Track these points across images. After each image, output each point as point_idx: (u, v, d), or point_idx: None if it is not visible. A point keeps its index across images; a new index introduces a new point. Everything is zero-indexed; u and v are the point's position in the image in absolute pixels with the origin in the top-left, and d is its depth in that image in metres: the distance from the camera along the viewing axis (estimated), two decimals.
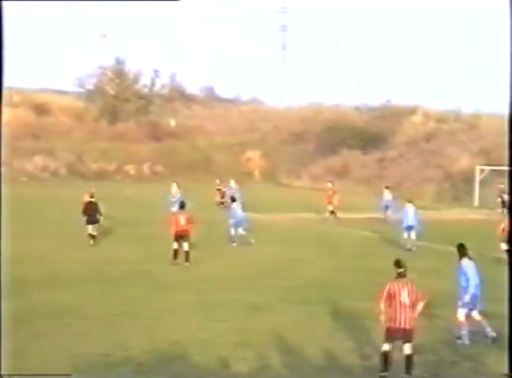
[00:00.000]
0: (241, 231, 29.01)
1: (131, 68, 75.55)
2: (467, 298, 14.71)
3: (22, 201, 41.69)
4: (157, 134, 71.04)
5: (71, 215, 35.62)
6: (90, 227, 28.42)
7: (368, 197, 43.80)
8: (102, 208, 28.91)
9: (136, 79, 75.92)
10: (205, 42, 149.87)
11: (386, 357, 12.46)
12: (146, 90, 76.42)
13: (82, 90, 75.82)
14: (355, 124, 68.14)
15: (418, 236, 28.08)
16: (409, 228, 28.43)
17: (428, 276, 20.34)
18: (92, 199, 28.94)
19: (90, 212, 28.37)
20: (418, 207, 30.13)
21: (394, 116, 68.54)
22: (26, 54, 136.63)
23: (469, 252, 15.12)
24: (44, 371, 12.82)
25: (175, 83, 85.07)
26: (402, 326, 12.33)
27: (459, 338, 14.89)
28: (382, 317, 12.61)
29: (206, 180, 61.99)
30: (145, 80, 76.74)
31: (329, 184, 39.49)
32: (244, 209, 30.89)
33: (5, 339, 14.70)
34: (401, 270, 12.67)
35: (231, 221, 28.90)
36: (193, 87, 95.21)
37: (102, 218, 28.80)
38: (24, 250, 26.06)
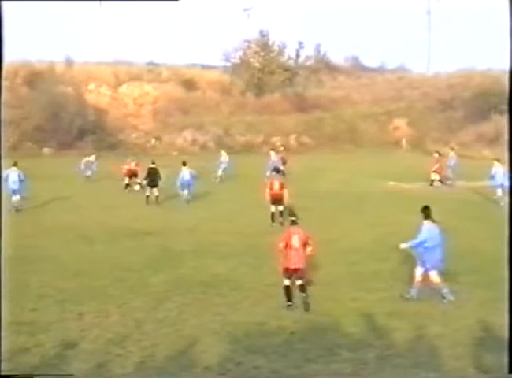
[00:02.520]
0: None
1: (275, 40, 75.79)
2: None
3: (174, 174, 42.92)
4: (302, 105, 71.02)
5: (220, 189, 36.49)
6: (148, 189, 31.68)
7: None
8: (163, 174, 32.25)
9: (281, 52, 75.96)
10: (348, 11, 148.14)
11: (287, 290, 15.10)
12: (291, 62, 76.35)
13: (228, 64, 76.65)
14: (508, 89, 65.63)
15: None
16: (500, 186, 30.56)
17: None
18: (153, 165, 32.21)
19: (151, 176, 31.75)
20: None
21: None
22: (174, 31, 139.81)
23: None
24: (203, 338, 13.21)
25: (319, 54, 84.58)
26: (294, 266, 14.91)
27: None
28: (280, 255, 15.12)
29: (353, 150, 61.80)
30: (290, 52, 76.80)
31: (436, 154, 38.67)
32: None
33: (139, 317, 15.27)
34: (293, 218, 15.34)
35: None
36: (338, 58, 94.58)
37: (161, 182, 31.94)
38: (174, 222, 26.88)
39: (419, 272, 15.75)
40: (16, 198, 29.08)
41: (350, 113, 69.80)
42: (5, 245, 21.17)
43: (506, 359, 11.91)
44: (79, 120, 60.26)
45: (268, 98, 72.10)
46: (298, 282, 15.06)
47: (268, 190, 26.24)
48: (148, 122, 66.51)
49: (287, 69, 74.51)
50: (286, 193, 25.92)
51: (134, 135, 64.14)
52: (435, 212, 27.10)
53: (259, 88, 73.24)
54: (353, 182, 39.33)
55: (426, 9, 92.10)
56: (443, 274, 17.84)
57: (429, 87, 75.22)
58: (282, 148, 45.61)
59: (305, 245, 15.11)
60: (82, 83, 66.91)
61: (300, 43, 75.76)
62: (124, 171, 36.85)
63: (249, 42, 75.23)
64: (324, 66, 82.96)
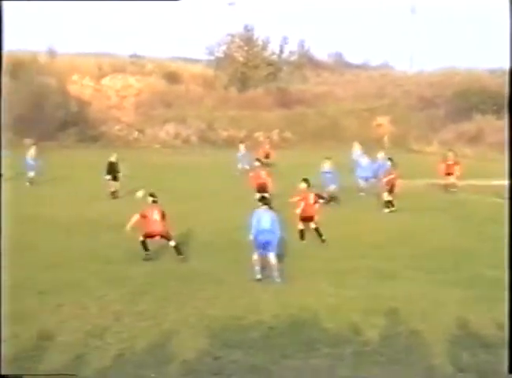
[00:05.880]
0: None
1: (259, 35, 75.55)
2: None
3: (155, 168, 42.88)
4: (286, 101, 70.88)
5: (200, 182, 36.44)
6: (114, 183, 31.73)
7: (502, 163, 42.23)
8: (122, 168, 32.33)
9: (265, 47, 75.73)
10: (333, 7, 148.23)
11: (145, 246, 19.49)
12: (274, 57, 76.23)
13: (212, 58, 76.41)
14: (489, 88, 65.96)
15: None
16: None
17: None
18: (113, 160, 32.22)
19: (113, 171, 31.85)
20: None
21: None
22: (158, 24, 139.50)
23: None
24: (181, 332, 13.23)
25: (303, 49, 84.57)
26: (157, 233, 19.46)
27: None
28: (128, 227, 19.40)
29: (335, 147, 61.85)
30: (274, 47, 76.64)
31: (450, 153, 37.11)
32: None
33: (137, 302, 15.28)
34: (154, 199, 19.81)
35: None
36: (321, 54, 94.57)
37: (121, 175, 32.01)
38: None
39: (256, 255, 17.26)
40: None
41: (334, 109, 69.78)
42: None
43: (496, 358, 12.04)
44: (61, 112, 59.95)
45: (251, 92, 71.93)
46: (172, 243, 19.55)
47: (254, 180, 28.75)
48: (131, 114, 66.26)
49: (270, 64, 74.38)
50: (270, 182, 28.35)
51: (116, 128, 63.87)
52: (418, 209, 27.34)
53: (243, 83, 73.09)
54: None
55: (410, 7, 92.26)
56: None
57: (412, 84, 75.39)
58: (268, 142, 46.33)
59: (163, 217, 19.42)
60: (65, 74, 66.52)
61: (284, 38, 75.70)
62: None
63: (233, 36, 75.02)
64: (307, 62, 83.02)
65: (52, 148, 51.75)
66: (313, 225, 22.30)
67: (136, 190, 30.53)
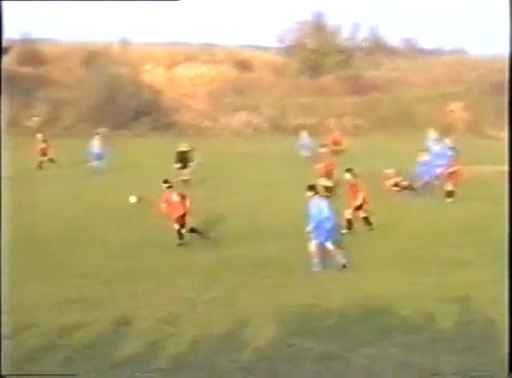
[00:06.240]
0: None
1: (330, 21, 75.24)
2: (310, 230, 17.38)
3: (227, 156, 43.13)
4: (358, 87, 70.32)
5: (271, 170, 36.45)
6: (184, 171, 32.07)
7: None
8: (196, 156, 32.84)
9: (336, 33, 75.43)
10: None
11: (179, 233, 20.26)
12: (346, 43, 75.82)
13: (282, 45, 76.31)
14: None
15: None
16: None
17: None
18: (184, 149, 32.72)
19: (183, 159, 32.33)
20: None
21: None
22: (229, 13, 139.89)
23: None
24: (253, 319, 13.28)
25: (375, 35, 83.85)
26: (180, 213, 20.13)
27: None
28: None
29: (408, 133, 61.15)
30: (345, 34, 76.23)
31: None
32: None
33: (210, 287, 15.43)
34: (168, 185, 20.86)
35: None
36: (394, 40, 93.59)
37: (194, 164, 32.56)
38: (228, 205, 26.89)
39: (313, 245, 17.27)
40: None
41: (406, 95, 68.98)
42: (57, 226, 21.65)
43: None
44: (134, 101, 60.73)
45: (322, 79, 71.62)
46: (188, 227, 20.27)
47: (322, 166, 29.48)
48: (203, 103, 66.72)
49: (342, 51, 73.96)
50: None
51: (189, 116, 64.39)
52: (493, 196, 26.86)
53: (314, 70, 72.80)
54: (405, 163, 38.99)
55: None
56: None
57: (487, 69, 73.92)
58: (337, 128, 46.45)
59: (183, 198, 20.40)
60: (138, 64, 67.36)
61: (356, 25, 75.21)
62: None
63: (304, 23, 74.76)
64: (380, 48, 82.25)
65: (125, 137, 52.52)
66: (362, 214, 22.29)
67: (209, 179, 30.88)
